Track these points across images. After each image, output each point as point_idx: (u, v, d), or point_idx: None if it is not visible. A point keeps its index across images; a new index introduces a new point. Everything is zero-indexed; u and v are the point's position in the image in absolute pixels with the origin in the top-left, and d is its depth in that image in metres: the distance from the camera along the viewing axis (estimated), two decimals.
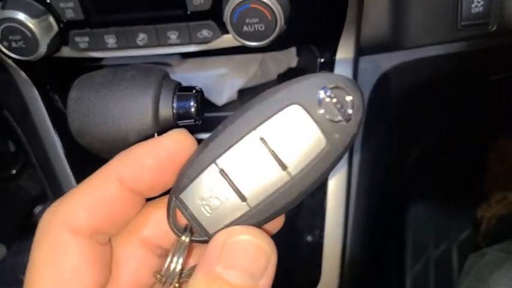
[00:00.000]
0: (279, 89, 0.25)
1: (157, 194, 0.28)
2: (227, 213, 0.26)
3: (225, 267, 0.24)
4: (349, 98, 0.24)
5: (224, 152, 0.25)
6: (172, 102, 0.39)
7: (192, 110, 0.39)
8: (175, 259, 0.27)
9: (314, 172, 0.25)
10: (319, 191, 0.57)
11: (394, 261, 1.14)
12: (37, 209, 1.31)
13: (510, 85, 0.63)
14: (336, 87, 0.24)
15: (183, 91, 0.39)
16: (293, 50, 0.61)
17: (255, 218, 0.26)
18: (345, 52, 0.53)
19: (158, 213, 0.28)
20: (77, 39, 0.50)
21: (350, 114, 0.24)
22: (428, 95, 0.63)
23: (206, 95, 0.53)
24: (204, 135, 0.56)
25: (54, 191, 0.66)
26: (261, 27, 0.44)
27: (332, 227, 0.59)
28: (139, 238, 0.28)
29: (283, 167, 0.25)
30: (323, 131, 0.24)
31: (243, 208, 0.26)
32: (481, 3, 0.51)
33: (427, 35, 0.54)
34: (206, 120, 0.57)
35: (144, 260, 0.29)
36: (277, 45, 0.49)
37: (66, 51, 0.51)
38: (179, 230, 0.28)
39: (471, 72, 0.59)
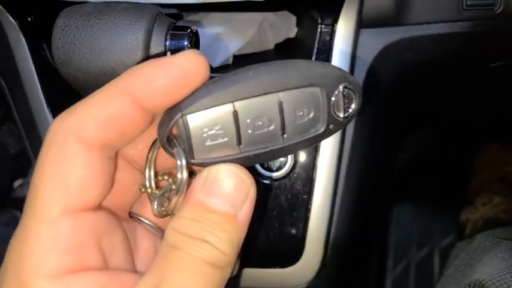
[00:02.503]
0: (311, 65, 0.28)
1: None
2: (219, 149, 0.27)
3: (206, 195, 0.26)
4: (354, 103, 0.29)
5: (244, 98, 0.27)
6: (165, 40, 0.37)
7: (185, 50, 0.37)
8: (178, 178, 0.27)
9: (300, 146, 0.29)
10: (306, 184, 0.56)
11: (375, 262, 1.12)
12: (17, 183, 1.27)
13: (509, 73, 0.62)
14: (351, 90, 0.29)
15: (177, 30, 0.37)
16: (293, 20, 0.59)
17: (237, 162, 0.28)
18: (346, 21, 0.52)
19: None
20: None
21: (349, 114, 0.29)
22: (426, 78, 0.62)
23: None
24: None
25: (35, 148, 0.63)
26: None
27: (316, 223, 0.58)
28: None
29: (283, 133, 0.28)
30: (325, 119, 0.28)
31: (234, 150, 0.27)
32: None
33: (431, 12, 0.53)
34: None
35: (127, 172, 0.30)
36: (279, 3, 0.48)
37: None
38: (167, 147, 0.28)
39: (472, 55, 0.58)
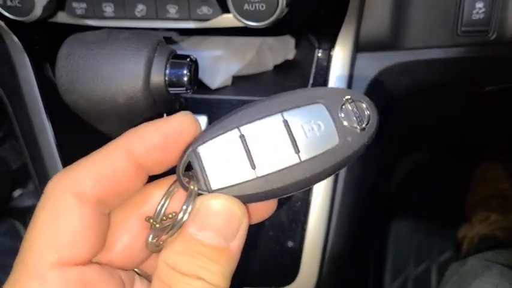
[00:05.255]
0: (310, 89, 0.30)
1: (160, 172, 0.29)
2: (235, 175, 0.27)
3: (198, 229, 0.26)
4: (367, 113, 0.28)
5: (248, 122, 0.28)
6: (165, 69, 0.38)
7: (185, 78, 0.38)
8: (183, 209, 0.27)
9: (321, 163, 0.27)
10: (303, 201, 0.57)
11: (372, 277, 1.13)
12: (16, 193, 1.28)
13: (503, 97, 0.63)
14: (359, 101, 0.28)
15: (177, 58, 0.39)
16: (291, 42, 0.61)
17: (258, 188, 0.27)
18: (343, 45, 0.53)
19: (158, 193, 0.29)
20: (74, 4, 0.49)
21: (365, 125, 0.28)
22: (421, 101, 0.63)
23: (200, 75, 0.52)
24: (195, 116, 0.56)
25: (36, 164, 0.64)
26: (262, 6, 0.43)
27: (313, 235, 0.59)
28: (138, 214, 0.29)
29: (296, 149, 0.27)
30: (338, 130, 0.27)
31: (250, 175, 0.27)
32: (483, 10, 0.52)
33: (426, 38, 0.54)
34: (198, 102, 0.56)
35: (138, 235, 0.29)
36: (277, 29, 0.49)
37: (61, 17, 0.50)
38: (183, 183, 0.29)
39: (467, 80, 0.59)
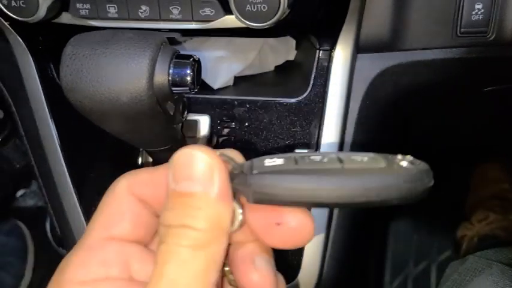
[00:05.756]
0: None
1: None
2: (277, 166, 0.27)
3: (176, 182, 0.27)
4: (418, 162, 0.26)
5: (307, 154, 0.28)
6: (169, 68, 0.39)
7: (188, 78, 0.39)
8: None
9: (363, 180, 0.25)
10: None
11: (372, 276, 1.13)
12: (19, 193, 1.29)
13: (503, 98, 0.64)
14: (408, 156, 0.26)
15: (180, 58, 0.39)
16: (292, 43, 0.61)
17: (296, 178, 0.26)
18: (344, 46, 0.53)
19: None
20: (78, 5, 0.49)
21: (415, 164, 0.25)
22: (421, 101, 0.64)
23: (202, 76, 0.53)
24: (197, 116, 0.57)
25: (39, 164, 0.64)
26: (264, 7, 0.44)
27: (312, 241, 0.59)
28: None
29: (341, 162, 0.26)
30: (386, 160, 0.26)
31: (290, 166, 0.27)
32: (482, 11, 0.52)
33: (426, 39, 0.54)
34: (200, 101, 0.57)
35: None
36: (279, 30, 0.49)
37: (65, 18, 0.51)
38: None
39: (466, 80, 0.60)
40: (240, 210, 0.28)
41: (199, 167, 0.27)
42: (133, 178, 0.31)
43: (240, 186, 0.27)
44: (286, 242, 0.29)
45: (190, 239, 0.26)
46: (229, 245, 0.30)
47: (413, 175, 0.25)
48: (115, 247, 0.30)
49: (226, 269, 0.31)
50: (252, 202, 0.27)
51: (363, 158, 0.26)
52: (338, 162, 0.26)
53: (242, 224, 0.29)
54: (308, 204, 0.28)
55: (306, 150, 0.56)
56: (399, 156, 0.26)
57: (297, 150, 0.57)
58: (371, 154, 0.26)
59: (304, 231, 0.28)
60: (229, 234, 0.28)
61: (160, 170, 0.31)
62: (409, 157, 0.26)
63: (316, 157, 0.27)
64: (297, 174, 0.26)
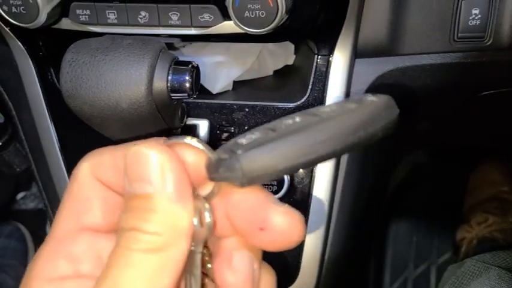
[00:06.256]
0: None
1: None
2: (259, 139, 0.25)
3: (129, 183, 0.26)
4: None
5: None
6: (168, 75, 0.39)
7: (187, 84, 0.39)
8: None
9: (339, 121, 0.25)
10: (302, 203, 0.57)
11: (372, 278, 1.14)
12: (19, 195, 1.29)
13: (499, 101, 0.64)
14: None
15: (179, 65, 0.40)
16: (291, 47, 0.61)
17: (284, 143, 0.24)
18: (342, 51, 0.54)
19: None
20: (78, 11, 0.50)
21: (387, 98, 0.27)
22: (419, 105, 0.64)
23: (201, 80, 0.53)
24: (196, 121, 0.57)
25: (40, 167, 0.65)
26: (262, 13, 0.44)
27: (313, 238, 0.59)
28: None
29: (316, 115, 0.25)
30: (356, 101, 0.26)
31: (272, 134, 0.25)
32: (479, 16, 0.53)
33: (423, 43, 0.55)
34: (199, 106, 0.57)
35: None
36: (277, 36, 0.50)
37: (65, 23, 0.51)
38: None
39: (463, 84, 0.60)
40: (208, 213, 0.27)
41: (150, 166, 0.25)
42: (96, 160, 0.28)
43: (227, 174, 0.25)
44: (274, 245, 0.26)
45: (142, 242, 0.25)
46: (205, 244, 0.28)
47: (386, 103, 0.26)
48: (86, 239, 0.28)
49: (209, 266, 0.29)
50: (246, 184, 0.25)
51: (333, 107, 0.26)
52: (313, 116, 0.25)
53: (212, 226, 0.27)
54: (305, 165, 0.26)
55: None
56: (363, 96, 0.27)
57: None
58: (338, 101, 0.27)
59: (294, 233, 0.26)
60: (193, 237, 0.26)
61: (121, 151, 0.28)
62: (370, 94, 0.27)
63: (289, 120, 0.26)
64: (284, 137, 0.24)
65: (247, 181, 0.24)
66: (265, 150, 0.24)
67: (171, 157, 0.25)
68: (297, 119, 0.26)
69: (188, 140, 0.27)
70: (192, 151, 0.27)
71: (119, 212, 0.27)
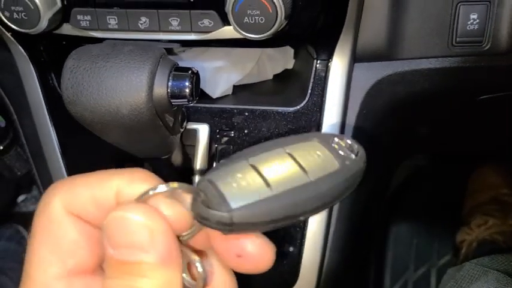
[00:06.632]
0: (301, 134, 0.31)
1: None
2: (252, 195, 0.27)
3: (113, 247, 0.24)
4: (356, 146, 0.30)
5: (256, 155, 0.28)
6: (168, 81, 0.39)
7: (187, 90, 0.40)
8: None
9: (330, 180, 0.28)
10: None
11: (372, 280, 1.14)
12: (20, 198, 1.29)
13: (497, 106, 0.65)
14: (345, 139, 0.31)
15: (179, 71, 0.40)
16: (290, 52, 0.62)
17: (278, 204, 0.27)
18: (341, 56, 0.54)
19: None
20: (79, 17, 0.50)
21: (357, 153, 0.30)
22: (417, 109, 0.64)
23: (201, 85, 0.54)
24: (196, 125, 0.57)
25: (40, 172, 0.65)
26: (262, 19, 0.44)
27: (312, 241, 0.60)
28: None
29: (305, 171, 0.28)
30: (335, 157, 0.29)
31: (266, 192, 0.27)
32: (477, 21, 0.53)
33: (422, 48, 0.55)
34: (199, 110, 0.58)
35: None
36: (276, 41, 0.50)
37: (66, 29, 0.52)
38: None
39: (462, 89, 0.60)
40: (199, 264, 0.27)
41: (140, 234, 0.24)
42: (69, 194, 0.27)
43: (217, 225, 0.25)
44: (247, 269, 0.27)
45: None
46: None
47: (363, 165, 0.30)
48: (78, 286, 0.26)
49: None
50: (231, 233, 0.26)
51: (317, 159, 0.29)
52: (302, 171, 0.28)
53: (205, 277, 0.27)
54: (290, 221, 0.28)
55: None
56: (342, 144, 0.30)
57: None
58: (317, 149, 0.29)
59: (265, 259, 0.27)
60: None
61: (95, 181, 0.27)
62: (348, 142, 0.30)
63: (275, 164, 0.28)
64: (278, 198, 0.27)
65: (235, 233, 0.26)
66: (258, 209, 0.26)
67: (159, 220, 0.25)
68: (285, 169, 0.28)
69: (171, 186, 0.27)
70: (167, 203, 0.26)
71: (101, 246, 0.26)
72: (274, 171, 0.28)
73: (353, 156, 0.30)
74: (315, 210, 0.28)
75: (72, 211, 0.26)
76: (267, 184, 0.27)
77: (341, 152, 0.30)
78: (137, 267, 0.24)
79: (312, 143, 0.30)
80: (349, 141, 0.31)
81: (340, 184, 0.29)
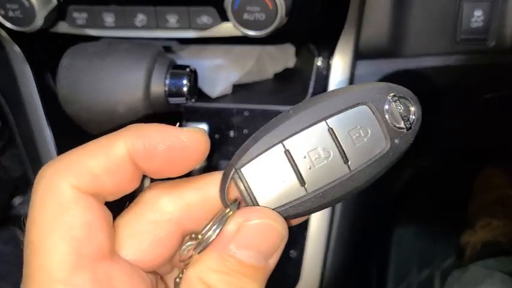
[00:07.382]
0: (351, 88, 0.27)
1: (160, 178, 0.27)
2: (284, 194, 0.26)
3: (238, 247, 0.25)
4: (412, 109, 0.27)
5: (292, 135, 0.26)
6: (165, 79, 0.38)
7: (184, 88, 0.39)
8: (213, 228, 0.26)
9: (370, 170, 0.26)
10: None
11: (375, 283, 1.13)
12: (16, 200, 1.28)
13: (503, 104, 0.64)
14: (403, 97, 0.27)
15: (176, 69, 0.39)
16: (291, 50, 0.61)
17: (309, 205, 0.26)
18: (342, 54, 0.53)
19: (166, 198, 0.27)
20: (75, 14, 0.49)
21: (411, 124, 0.27)
22: (421, 107, 0.63)
23: (200, 84, 0.52)
24: (195, 125, 0.56)
25: (36, 172, 0.64)
26: (262, 16, 0.43)
27: (313, 244, 0.59)
28: (145, 218, 0.27)
29: (345, 160, 0.26)
30: (386, 135, 0.27)
31: (300, 192, 0.26)
32: (481, 18, 0.52)
33: (426, 45, 0.54)
34: (198, 110, 0.57)
35: (149, 241, 0.27)
36: (277, 38, 0.49)
37: (62, 27, 0.51)
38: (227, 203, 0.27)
39: (466, 87, 0.59)
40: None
41: (274, 243, 0.25)
42: (77, 172, 0.24)
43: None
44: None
45: None
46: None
47: (411, 143, 0.27)
48: (102, 277, 0.23)
49: None
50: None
51: (363, 140, 0.26)
52: (342, 160, 0.26)
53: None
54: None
55: None
56: (398, 109, 0.27)
57: None
58: (366, 122, 0.26)
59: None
60: None
61: (102, 150, 0.25)
62: (407, 106, 0.27)
63: (312, 153, 0.26)
64: (309, 201, 0.26)
65: None
66: (287, 211, 0.26)
67: (287, 228, 0.26)
68: (329, 159, 0.26)
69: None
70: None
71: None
72: (312, 161, 0.26)
73: (405, 129, 0.27)
74: (348, 198, 0.27)
75: (86, 189, 0.24)
76: (302, 182, 0.26)
77: (393, 125, 0.26)
78: (254, 271, 0.25)
79: (362, 110, 0.27)
80: (407, 100, 0.27)
81: (382, 171, 0.27)
